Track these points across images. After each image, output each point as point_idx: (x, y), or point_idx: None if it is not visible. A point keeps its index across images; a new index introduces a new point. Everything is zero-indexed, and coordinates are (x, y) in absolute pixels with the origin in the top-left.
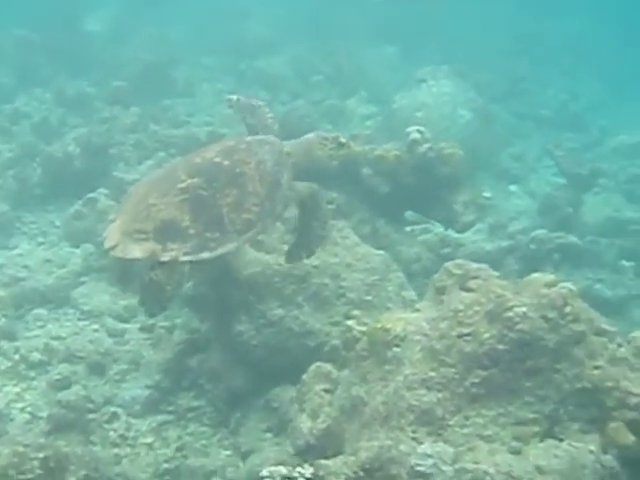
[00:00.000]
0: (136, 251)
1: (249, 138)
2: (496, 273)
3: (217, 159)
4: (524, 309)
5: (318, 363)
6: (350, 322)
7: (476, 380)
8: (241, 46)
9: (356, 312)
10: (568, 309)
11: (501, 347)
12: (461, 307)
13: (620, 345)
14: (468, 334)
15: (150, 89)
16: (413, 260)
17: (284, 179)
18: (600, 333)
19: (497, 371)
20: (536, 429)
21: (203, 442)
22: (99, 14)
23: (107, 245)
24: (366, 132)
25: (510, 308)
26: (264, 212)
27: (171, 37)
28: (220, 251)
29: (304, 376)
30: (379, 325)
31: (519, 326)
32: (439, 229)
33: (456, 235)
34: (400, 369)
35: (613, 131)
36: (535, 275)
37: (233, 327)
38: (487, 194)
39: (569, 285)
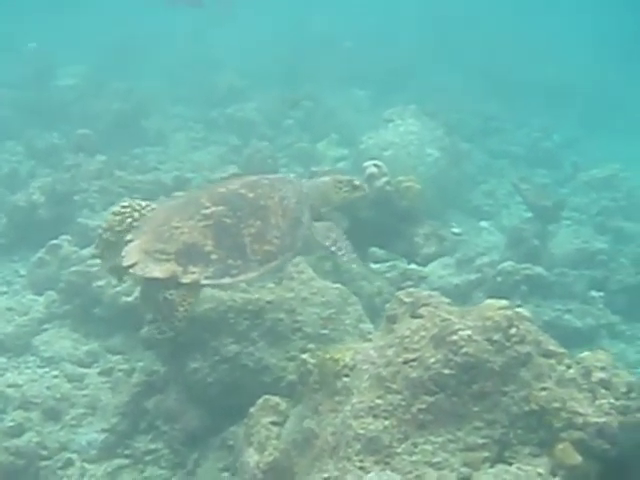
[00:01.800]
0: (156, 271)
1: (270, 175)
2: (447, 300)
3: (242, 190)
4: (469, 332)
5: (266, 396)
6: (305, 356)
7: (423, 406)
8: (213, 95)
9: (311, 345)
10: (513, 330)
11: (447, 371)
12: (407, 333)
13: (569, 366)
14: (414, 360)
15: (121, 139)
16: (375, 294)
17: (305, 218)
18: (548, 355)
19: (444, 396)
20: (486, 454)
21: None
22: (71, 69)
23: (126, 263)
24: (325, 168)
25: (455, 332)
26: (285, 246)
27: (143, 88)
28: (241, 278)
29: (252, 409)
30: (328, 356)
31: (464, 349)
32: (403, 264)
33: (419, 268)
34: (349, 399)
35: (586, 166)
36: (489, 301)
37: (187, 365)
38: (456, 230)
39: (521, 310)
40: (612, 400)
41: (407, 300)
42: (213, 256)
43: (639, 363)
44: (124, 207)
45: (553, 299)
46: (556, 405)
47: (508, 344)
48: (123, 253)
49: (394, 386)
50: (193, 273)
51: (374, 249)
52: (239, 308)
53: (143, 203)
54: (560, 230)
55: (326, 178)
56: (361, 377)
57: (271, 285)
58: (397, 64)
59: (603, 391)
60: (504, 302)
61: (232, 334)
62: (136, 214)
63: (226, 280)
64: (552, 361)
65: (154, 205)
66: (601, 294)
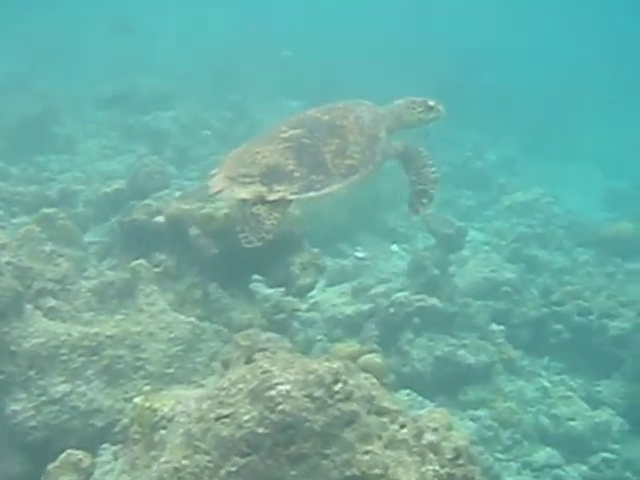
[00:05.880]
0: (243, 193)
1: (344, 102)
2: (288, 344)
3: (317, 115)
4: (288, 387)
5: (69, 450)
6: (137, 399)
7: (233, 469)
8: (135, 100)
9: (147, 388)
10: (338, 387)
11: (261, 430)
12: (226, 385)
13: (403, 425)
14: (227, 416)
15: (26, 145)
16: (245, 326)
17: (382, 134)
18: (381, 412)
19: (257, 458)
20: None
21: None
22: None
23: (212, 192)
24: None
25: (273, 386)
26: (366, 159)
27: (65, 89)
28: (326, 191)
29: (49, 466)
30: (147, 404)
31: (281, 407)
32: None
33: (294, 300)
34: (163, 455)
35: (514, 188)
36: (340, 345)
37: (7, 407)
38: (360, 254)
39: (373, 356)
40: (437, 467)
41: (243, 343)
42: (296, 174)
43: (536, 401)
44: None
45: (451, 331)
46: (377, 471)
47: (331, 401)
48: (208, 184)
49: (203, 445)
50: (279, 191)
51: (255, 276)
52: (74, 343)
53: None
54: (476, 256)
55: (400, 100)
56: (176, 431)
57: (119, 317)
58: (338, 74)
59: (431, 456)
60: (356, 346)
61: (63, 372)
62: None
63: (312, 194)
64: (385, 419)
65: None
66: (502, 328)
